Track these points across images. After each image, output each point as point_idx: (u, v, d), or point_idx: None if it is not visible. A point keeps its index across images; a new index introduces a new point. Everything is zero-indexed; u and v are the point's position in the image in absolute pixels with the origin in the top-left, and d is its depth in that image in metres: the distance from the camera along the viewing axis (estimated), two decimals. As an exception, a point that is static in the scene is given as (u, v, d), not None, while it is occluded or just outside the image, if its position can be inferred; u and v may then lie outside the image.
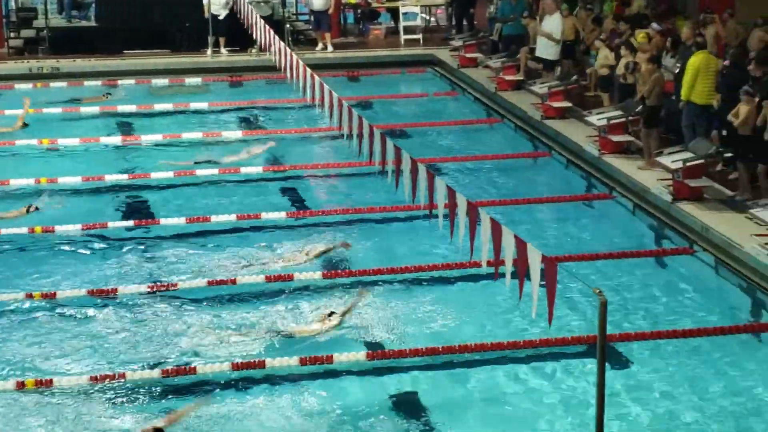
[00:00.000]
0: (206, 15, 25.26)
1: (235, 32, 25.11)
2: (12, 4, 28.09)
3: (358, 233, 15.44)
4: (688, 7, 23.59)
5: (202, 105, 22.68)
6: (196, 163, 18.41)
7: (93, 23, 27.00)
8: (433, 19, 30.00)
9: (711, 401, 10.82)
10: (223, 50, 25.72)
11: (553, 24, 21.35)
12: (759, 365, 11.58)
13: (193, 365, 11.31)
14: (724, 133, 15.76)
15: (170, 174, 17.81)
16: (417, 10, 28.56)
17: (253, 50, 25.22)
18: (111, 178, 17.76)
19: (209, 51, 25.63)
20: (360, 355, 11.62)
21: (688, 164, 15.24)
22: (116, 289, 13.17)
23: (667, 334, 11.98)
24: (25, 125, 20.59)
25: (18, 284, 13.42)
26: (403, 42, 27.49)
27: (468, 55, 24.71)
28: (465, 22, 27.08)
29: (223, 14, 25.18)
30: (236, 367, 11.24)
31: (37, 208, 15.97)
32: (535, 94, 20.49)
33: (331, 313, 12.21)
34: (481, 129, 21.23)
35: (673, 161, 15.49)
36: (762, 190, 14.85)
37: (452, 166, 18.35)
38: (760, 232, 13.62)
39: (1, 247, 14.78)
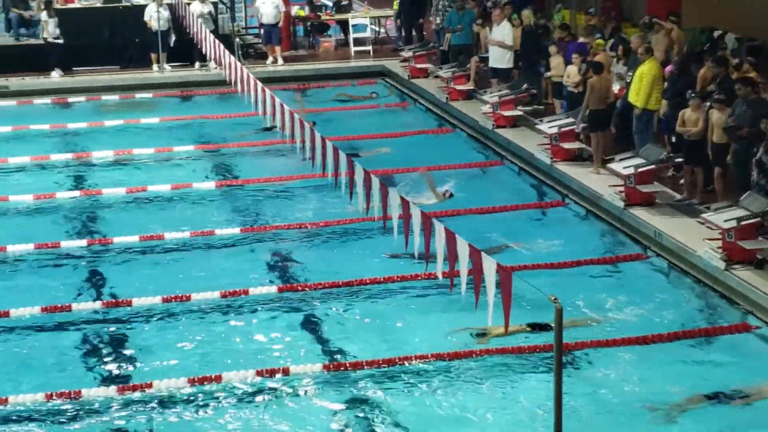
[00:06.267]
0: (154, 29, 25.13)
1: (180, 48, 25.06)
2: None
3: (312, 245, 15.43)
4: (635, 15, 23.84)
5: (153, 120, 22.57)
6: None
7: (41, 41, 26.73)
8: (383, 30, 30.05)
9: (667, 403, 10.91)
10: (166, 66, 25.61)
11: (504, 31, 21.50)
12: (713, 368, 11.72)
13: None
14: (674, 138, 15.95)
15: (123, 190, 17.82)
16: (367, 21, 28.57)
17: (197, 65, 25.23)
18: (63, 196, 17.67)
19: (154, 67, 25.56)
20: (316, 366, 11.64)
21: (640, 170, 15.37)
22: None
23: (622, 342, 12.06)
24: None
25: None
26: (353, 54, 27.51)
27: (418, 66, 24.76)
28: (414, 33, 27.14)
29: (165, 29, 25.03)
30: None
31: (452, 195, 16.93)
32: (486, 102, 20.53)
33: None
34: (433, 138, 21.22)
35: (624, 167, 15.61)
36: (717, 194, 14.97)
37: (405, 178, 18.33)
38: (712, 237, 13.74)
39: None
